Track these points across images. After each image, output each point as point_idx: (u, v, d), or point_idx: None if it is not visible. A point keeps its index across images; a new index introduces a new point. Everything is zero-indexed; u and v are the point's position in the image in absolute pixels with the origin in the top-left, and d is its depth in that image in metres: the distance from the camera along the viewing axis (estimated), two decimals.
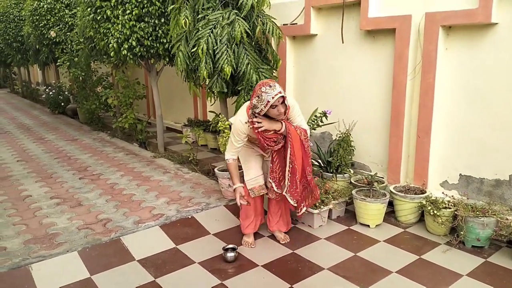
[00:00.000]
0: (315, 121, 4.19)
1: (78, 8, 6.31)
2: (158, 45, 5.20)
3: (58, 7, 8.19)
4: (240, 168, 3.39)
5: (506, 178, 3.36)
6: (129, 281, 2.89)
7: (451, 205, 3.39)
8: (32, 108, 12.36)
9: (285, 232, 3.50)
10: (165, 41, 5.14)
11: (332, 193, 3.78)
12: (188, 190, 4.51)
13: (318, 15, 4.53)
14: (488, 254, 3.16)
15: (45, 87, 12.93)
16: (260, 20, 3.98)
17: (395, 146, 3.97)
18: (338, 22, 4.30)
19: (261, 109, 2.87)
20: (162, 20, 5.05)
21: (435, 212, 3.35)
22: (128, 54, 5.16)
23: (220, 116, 4.59)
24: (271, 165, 3.22)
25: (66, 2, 8.27)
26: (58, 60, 8.33)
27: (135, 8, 4.88)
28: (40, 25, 8.28)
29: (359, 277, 2.88)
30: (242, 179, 3.30)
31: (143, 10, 4.94)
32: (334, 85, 4.54)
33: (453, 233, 3.37)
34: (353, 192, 3.76)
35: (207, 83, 4.12)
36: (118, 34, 5.01)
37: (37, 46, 9.00)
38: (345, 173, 4.15)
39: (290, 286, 2.81)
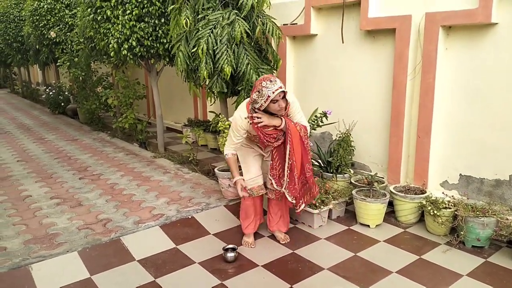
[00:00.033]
0: (315, 121, 4.19)
1: (78, 8, 6.31)
2: (158, 45, 5.20)
3: (58, 7, 8.20)
4: (239, 168, 3.39)
5: (506, 178, 3.36)
6: (129, 281, 2.89)
7: (451, 205, 3.39)
8: (32, 108, 12.36)
9: (285, 232, 3.50)
10: (165, 41, 5.14)
11: (332, 193, 3.78)
12: (188, 190, 4.51)
13: (318, 15, 4.53)
14: (488, 254, 3.16)
15: (45, 87, 12.93)
16: (260, 20, 3.98)
17: (395, 146, 3.97)
18: (338, 22, 4.30)
19: (261, 104, 2.86)
20: (162, 20, 5.05)
21: (435, 212, 3.35)
22: (128, 54, 5.16)
23: (220, 116, 4.59)
24: (271, 162, 3.21)
25: (66, 2, 8.28)
26: (58, 60, 8.33)
27: (135, 8, 4.88)
28: (40, 25, 8.28)
29: (359, 277, 2.88)
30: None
31: (143, 10, 4.94)
32: (334, 85, 4.54)
33: (453, 233, 3.37)
34: (353, 192, 3.76)
35: (207, 83, 4.12)
36: (118, 34, 5.01)
37: (37, 46, 9.01)
38: (345, 173, 4.15)
39: (290, 286, 2.81)
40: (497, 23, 3.24)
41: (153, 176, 5.03)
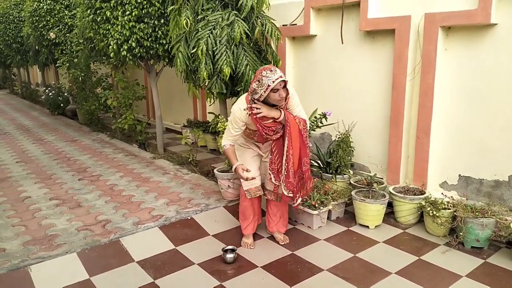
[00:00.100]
0: (315, 122, 4.18)
1: (78, 9, 6.32)
2: (157, 46, 5.20)
3: (57, 8, 8.20)
4: None
5: (506, 179, 3.36)
6: (128, 283, 2.89)
7: (450, 206, 3.39)
8: (32, 109, 12.36)
9: (284, 233, 3.50)
10: (164, 42, 5.15)
11: (332, 194, 3.77)
12: (187, 191, 4.51)
13: (317, 16, 4.53)
14: (488, 255, 3.16)
15: (44, 88, 12.94)
16: (260, 21, 3.98)
17: (395, 146, 3.97)
18: (337, 23, 4.30)
19: (261, 94, 2.84)
20: (162, 21, 5.05)
21: (435, 213, 3.35)
22: (128, 55, 5.16)
23: (219, 117, 4.59)
24: (270, 156, 3.19)
25: (65, 3, 8.29)
26: (58, 61, 8.34)
27: (135, 9, 4.89)
28: (40, 26, 8.28)
29: (359, 278, 2.88)
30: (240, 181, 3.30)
31: (143, 11, 4.95)
32: (334, 86, 4.54)
33: (452, 234, 3.37)
34: (353, 193, 3.76)
35: (206, 84, 4.12)
36: (118, 35, 5.01)
37: (37, 47, 9.01)
38: (345, 174, 4.14)
39: (289, 287, 2.80)
40: (496, 24, 3.24)
41: (152, 177, 5.02)
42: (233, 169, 3.12)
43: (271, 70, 2.82)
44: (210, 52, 3.83)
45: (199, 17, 3.92)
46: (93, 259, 3.15)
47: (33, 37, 8.77)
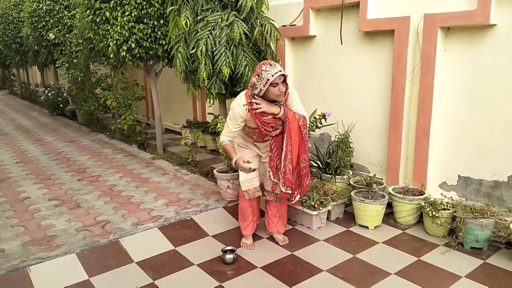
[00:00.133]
0: (314, 123, 4.18)
1: (77, 9, 6.32)
2: (157, 46, 5.20)
3: (57, 8, 8.20)
4: (236, 170, 3.39)
5: (505, 180, 3.36)
6: (128, 283, 2.89)
7: (449, 206, 3.39)
8: (31, 110, 12.36)
9: (283, 233, 3.50)
10: (164, 42, 5.14)
11: (331, 194, 3.77)
12: (187, 191, 4.51)
13: (317, 17, 4.53)
14: (487, 255, 3.16)
15: (44, 88, 12.93)
16: (259, 22, 3.99)
17: (394, 147, 3.97)
18: (337, 24, 4.31)
19: (260, 89, 2.83)
20: (161, 22, 5.05)
21: (434, 213, 3.35)
22: (127, 55, 5.16)
23: (219, 117, 4.59)
24: (269, 153, 3.18)
25: (65, 3, 8.28)
26: (57, 62, 8.33)
27: (134, 10, 4.88)
28: (39, 26, 8.28)
29: (358, 278, 2.88)
30: (238, 181, 3.30)
31: (142, 12, 4.94)
32: (333, 86, 4.54)
33: (452, 234, 3.37)
34: (352, 193, 3.76)
35: (206, 85, 4.12)
36: (117, 35, 5.01)
37: (36, 48, 9.01)
38: (344, 175, 4.14)
39: (289, 287, 2.81)
40: (495, 25, 3.24)
41: (152, 178, 5.02)
42: (233, 162, 3.10)
43: (270, 65, 2.83)
44: (209, 52, 3.83)
45: (199, 17, 3.92)
46: (92, 260, 3.15)
47: (33, 38, 8.77)
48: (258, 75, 2.83)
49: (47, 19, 8.20)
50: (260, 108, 2.91)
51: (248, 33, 3.91)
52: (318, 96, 4.70)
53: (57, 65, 8.49)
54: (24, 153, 6.60)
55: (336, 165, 4.12)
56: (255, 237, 3.52)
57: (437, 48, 3.51)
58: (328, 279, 2.90)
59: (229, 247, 3.21)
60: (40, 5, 8.17)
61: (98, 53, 6.08)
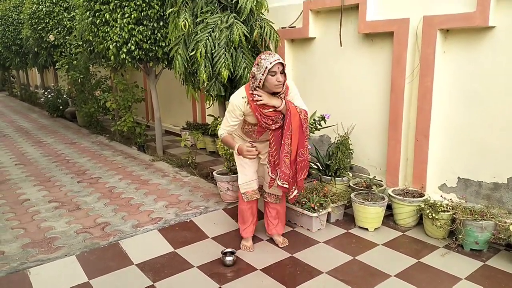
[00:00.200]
0: (314, 124, 4.19)
1: (77, 11, 6.32)
2: (157, 48, 5.20)
3: (56, 10, 8.21)
4: (236, 172, 3.38)
5: (504, 181, 3.36)
6: (128, 286, 2.89)
7: (449, 208, 3.40)
8: (31, 111, 12.36)
9: (283, 235, 3.50)
10: (164, 44, 5.15)
11: (331, 196, 3.77)
12: (186, 193, 4.51)
13: (316, 19, 4.54)
14: (487, 257, 3.16)
15: (43, 90, 12.94)
16: (258, 24, 3.99)
17: (394, 149, 3.98)
18: (336, 25, 4.31)
19: (260, 79, 2.84)
20: (161, 24, 5.06)
21: (434, 215, 3.35)
22: (127, 57, 5.16)
23: (218, 119, 4.59)
24: (268, 148, 3.15)
25: (64, 5, 8.29)
26: (57, 63, 8.34)
27: (134, 12, 4.89)
28: (39, 28, 8.29)
29: (358, 281, 2.88)
30: (237, 182, 3.31)
31: (142, 14, 4.95)
32: (333, 88, 4.55)
33: (451, 236, 3.37)
34: (352, 195, 3.76)
35: (205, 86, 4.12)
36: (117, 37, 5.01)
37: (36, 49, 9.02)
38: (344, 177, 4.15)
39: None
40: (494, 27, 3.25)
41: (151, 180, 5.02)
42: (235, 151, 3.08)
43: (269, 54, 2.85)
44: (209, 54, 3.83)
45: (198, 19, 3.93)
46: (92, 262, 3.15)
47: (32, 39, 8.77)
48: (257, 64, 2.85)
49: (47, 21, 8.21)
50: (261, 100, 2.90)
51: (248, 35, 3.91)
52: (318, 98, 4.70)
53: (57, 67, 8.49)
54: (24, 155, 6.60)
55: (336, 167, 4.12)
56: (255, 239, 3.52)
57: (436, 50, 3.52)
58: (328, 281, 2.89)
59: (229, 249, 3.21)
60: (40, 7, 8.17)
61: (98, 55, 6.08)
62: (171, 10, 4.15)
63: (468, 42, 3.43)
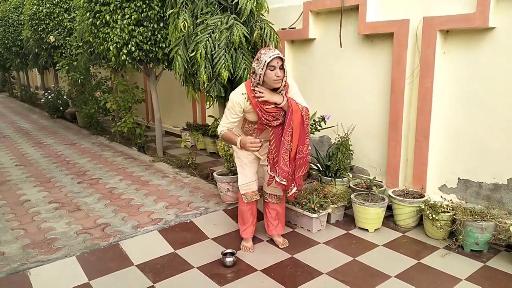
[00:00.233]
0: (314, 125, 4.19)
1: (77, 12, 6.32)
2: (157, 49, 5.21)
3: (57, 11, 8.21)
4: (236, 173, 3.38)
5: (505, 182, 3.36)
6: (128, 286, 2.89)
7: (449, 209, 3.40)
8: (31, 112, 12.36)
9: (283, 236, 3.50)
10: (164, 45, 5.15)
11: (331, 197, 3.77)
12: (187, 194, 4.51)
13: (316, 20, 4.55)
14: (487, 258, 3.16)
15: (44, 91, 12.95)
16: (258, 25, 4.00)
17: (394, 150, 3.98)
18: (336, 27, 4.32)
19: (260, 74, 2.84)
20: (161, 25, 5.06)
21: (434, 216, 3.35)
22: (127, 58, 5.16)
23: (218, 120, 4.59)
24: (269, 146, 3.14)
25: (65, 6, 8.30)
26: (57, 64, 8.35)
27: (134, 13, 4.90)
28: (39, 29, 8.29)
29: (358, 281, 2.88)
30: (237, 184, 3.31)
31: (142, 15, 4.96)
32: (333, 89, 4.55)
33: (452, 237, 3.37)
34: (352, 196, 3.76)
35: (205, 87, 4.12)
36: (117, 38, 5.02)
37: (36, 50, 9.03)
38: (344, 177, 4.15)
39: None
40: (494, 28, 3.25)
41: (151, 180, 5.02)
42: (238, 146, 3.04)
43: (269, 49, 2.86)
44: (209, 56, 3.84)
45: (198, 20, 3.93)
46: (92, 263, 3.15)
47: (33, 40, 8.78)
48: (257, 59, 2.86)
49: (47, 22, 8.21)
50: (263, 97, 2.90)
51: (248, 36, 3.92)
52: (318, 98, 4.70)
53: (57, 68, 8.50)
54: (24, 155, 6.60)
55: (336, 168, 4.12)
56: (255, 240, 3.52)
57: (436, 51, 3.52)
58: (328, 282, 2.89)
59: (229, 250, 3.21)
60: (40, 8, 8.18)
61: (98, 56, 6.09)
62: (171, 11, 4.15)
63: (468, 43, 3.43)
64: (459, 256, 3.20)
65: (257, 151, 3.11)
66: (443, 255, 3.22)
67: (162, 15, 5.01)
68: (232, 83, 4.09)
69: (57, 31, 8.25)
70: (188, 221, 3.81)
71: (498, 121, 3.33)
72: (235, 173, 4.09)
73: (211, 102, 4.42)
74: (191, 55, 3.92)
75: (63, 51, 8.38)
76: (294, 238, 3.55)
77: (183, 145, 5.36)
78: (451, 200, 3.54)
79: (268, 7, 4.17)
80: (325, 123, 4.20)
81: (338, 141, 4.21)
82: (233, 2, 3.92)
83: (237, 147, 3.10)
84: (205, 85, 4.04)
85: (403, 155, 3.95)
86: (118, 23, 4.95)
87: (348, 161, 4.19)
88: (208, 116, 6.27)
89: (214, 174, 4.34)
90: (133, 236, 3.51)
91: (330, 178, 4.13)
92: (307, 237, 3.57)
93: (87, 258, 3.19)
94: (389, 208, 3.79)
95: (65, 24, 8.22)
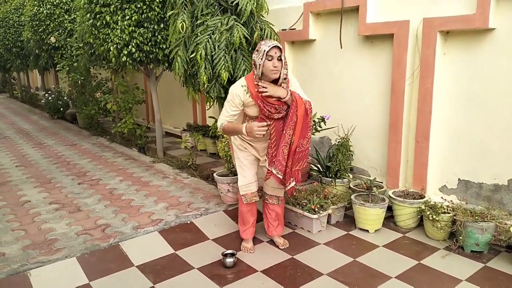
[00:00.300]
0: (314, 126, 4.19)
1: (78, 13, 6.33)
2: (157, 50, 5.22)
3: (57, 12, 8.23)
4: (236, 174, 3.38)
5: (505, 183, 3.36)
6: (128, 287, 2.89)
7: (450, 210, 3.40)
8: (31, 113, 12.37)
9: (283, 236, 3.50)
10: (164, 46, 5.16)
11: (331, 198, 3.78)
12: (187, 195, 4.51)
13: (316, 21, 4.55)
14: (487, 259, 3.16)
15: (44, 92, 12.97)
16: (259, 26, 4.00)
17: (394, 151, 3.98)
18: (336, 28, 4.32)
19: (259, 64, 2.83)
20: (162, 26, 5.07)
21: (434, 217, 3.35)
22: (128, 59, 5.17)
23: None
24: (269, 140, 3.12)
25: (65, 7, 8.31)
26: (58, 65, 8.35)
27: (135, 14, 4.90)
28: (40, 30, 8.30)
29: (358, 282, 2.88)
30: (236, 184, 3.31)
31: (143, 16, 4.96)
32: (333, 90, 4.55)
33: (452, 238, 3.37)
34: (352, 197, 3.76)
35: (205, 88, 4.13)
36: (118, 39, 5.02)
37: (37, 51, 9.04)
38: (344, 178, 4.15)
39: None
40: (494, 29, 3.25)
41: (152, 181, 5.02)
42: (244, 133, 2.96)
43: (269, 40, 2.89)
44: (209, 56, 3.84)
45: (198, 22, 3.94)
46: (92, 264, 3.15)
47: (33, 41, 8.79)
48: (257, 50, 2.87)
49: (48, 23, 8.22)
50: (266, 92, 2.90)
51: (248, 37, 3.92)
52: (318, 99, 4.69)
53: (57, 69, 8.51)
54: (25, 156, 6.60)
55: (336, 169, 4.12)
56: (255, 240, 3.51)
57: (436, 52, 3.53)
58: (329, 282, 2.89)
59: (230, 251, 3.21)
60: (41, 9, 8.19)
61: (99, 57, 6.09)
62: (171, 12, 4.16)
63: (468, 44, 3.43)
64: (460, 257, 3.20)
65: (263, 135, 3.00)
66: (444, 256, 3.22)
67: (162, 16, 5.02)
68: (232, 84, 4.08)
69: (57, 32, 8.27)
70: (189, 222, 3.81)
71: (498, 122, 3.33)
72: (235, 174, 4.09)
73: (211, 103, 4.42)
74: (191, 56, 3.92)
75: (64, 52, 8.39)
76: (294, 239, 3.55)
77: (184, 146, 5.36)
78: (451, 201, 3.54)
79: (268, 8, 4.17)
80: (325, 124, 4.20)
81: (338, 142, 4.21)
82: (233, 3, 3.93)
83: (243, 134, 3.00)
84: (205, 86, 4.04)
85: (404, 156, 3.95)
86: (119, 24, 4.96)
87: (349, 162, 4.19)
88: (209, 117, 6.28)
89: (214, 175, 4.34)
90: (134, 237, 3.51)
91: (330, 179, 4.13)
92: (307, 238, 3.57)
93: (87, 259, 3.20)
94: (390, 209, 3.79)
95: (66, 25, 8.23)
